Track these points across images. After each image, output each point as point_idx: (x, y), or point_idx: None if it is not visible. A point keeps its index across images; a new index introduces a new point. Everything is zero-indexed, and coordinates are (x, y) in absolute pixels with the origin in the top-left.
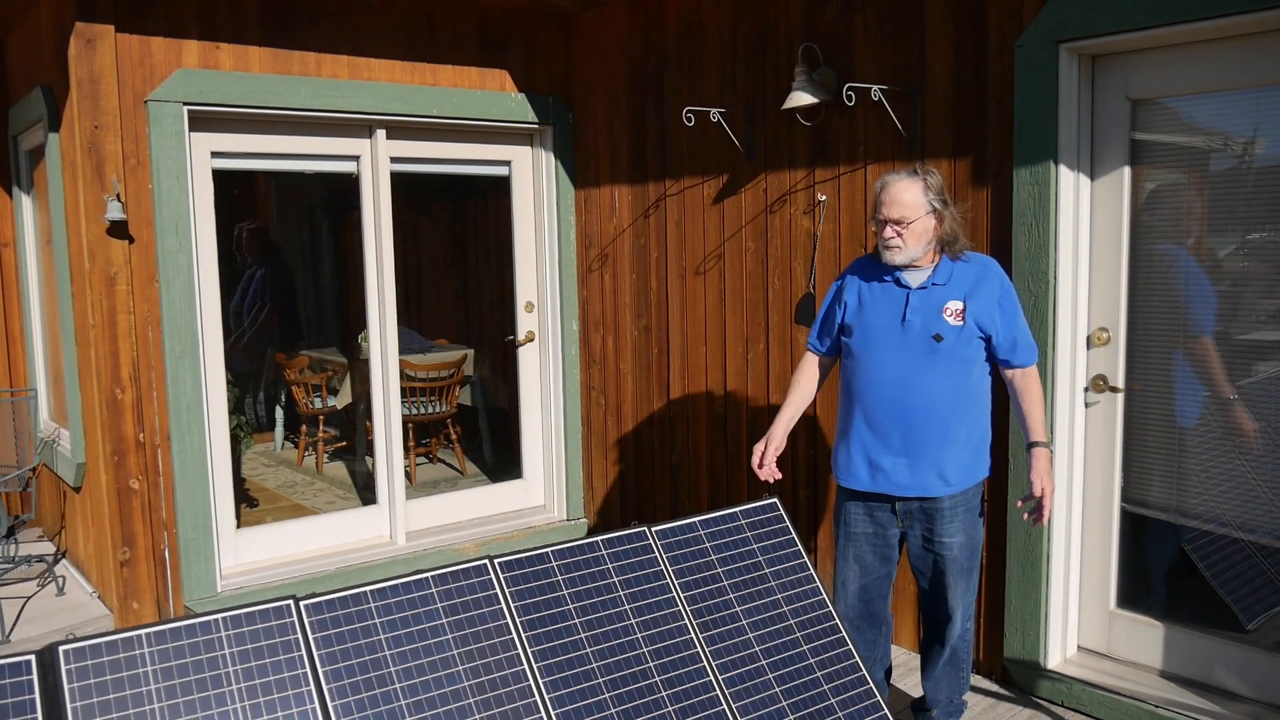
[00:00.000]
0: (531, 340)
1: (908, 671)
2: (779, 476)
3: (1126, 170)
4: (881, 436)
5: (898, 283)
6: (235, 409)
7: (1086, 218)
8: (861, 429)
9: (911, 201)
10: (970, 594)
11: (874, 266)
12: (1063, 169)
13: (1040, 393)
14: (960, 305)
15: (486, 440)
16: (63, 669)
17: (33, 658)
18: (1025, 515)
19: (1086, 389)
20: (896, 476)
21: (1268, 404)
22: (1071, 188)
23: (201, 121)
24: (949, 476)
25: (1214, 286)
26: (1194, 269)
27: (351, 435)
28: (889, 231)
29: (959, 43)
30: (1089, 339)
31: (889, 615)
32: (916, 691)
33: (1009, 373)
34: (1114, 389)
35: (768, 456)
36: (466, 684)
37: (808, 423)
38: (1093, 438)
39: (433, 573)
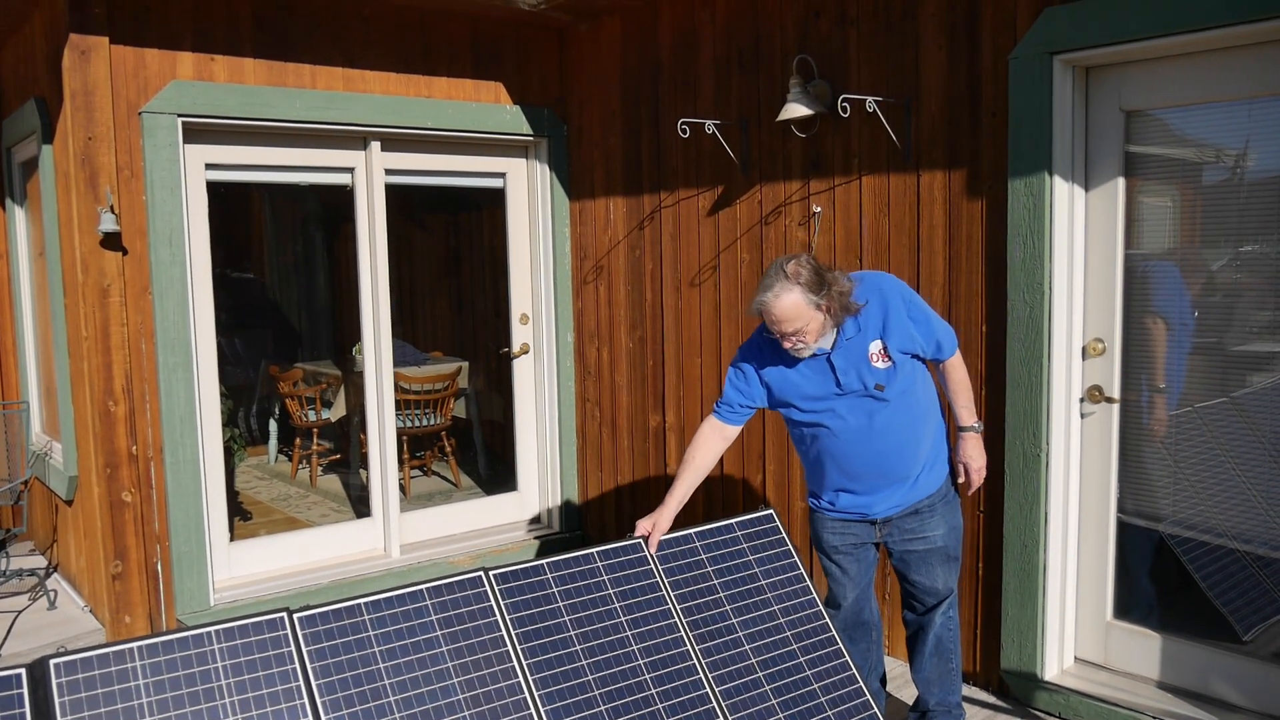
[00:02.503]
0: (526, 352)
1: (905, 683)
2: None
3: (1121, 182)
4: (858, 480)
5: (813, 354)
6: (229, 422)
7: (1081, 229)
8: (835, 478)
9: (794, 314)
10: (954, 579)
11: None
12: (1057, 180)
13: (966, 377)
14: (880, 345)
15: (481, 453)
16: (53, 683)
17: (23, 671)
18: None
19: (1082, 400)
20: (878, 505)
21: (1263, 415)
22: (1066, 199)
23: (196, 133)
24: (922, 482)
25: (1207, 298)
26: (1179, 281)
27: (346, 448)
28: (788, 343)
29: (953, 54)
30: (1084, 350)
31: (878, 619)
32: (913, 701)
33: (937, 364)
34: (1109, 400)
35: (652, 541)
36: (461, 697)
37: None
38: (1089, 449)
39: (427, 585)
